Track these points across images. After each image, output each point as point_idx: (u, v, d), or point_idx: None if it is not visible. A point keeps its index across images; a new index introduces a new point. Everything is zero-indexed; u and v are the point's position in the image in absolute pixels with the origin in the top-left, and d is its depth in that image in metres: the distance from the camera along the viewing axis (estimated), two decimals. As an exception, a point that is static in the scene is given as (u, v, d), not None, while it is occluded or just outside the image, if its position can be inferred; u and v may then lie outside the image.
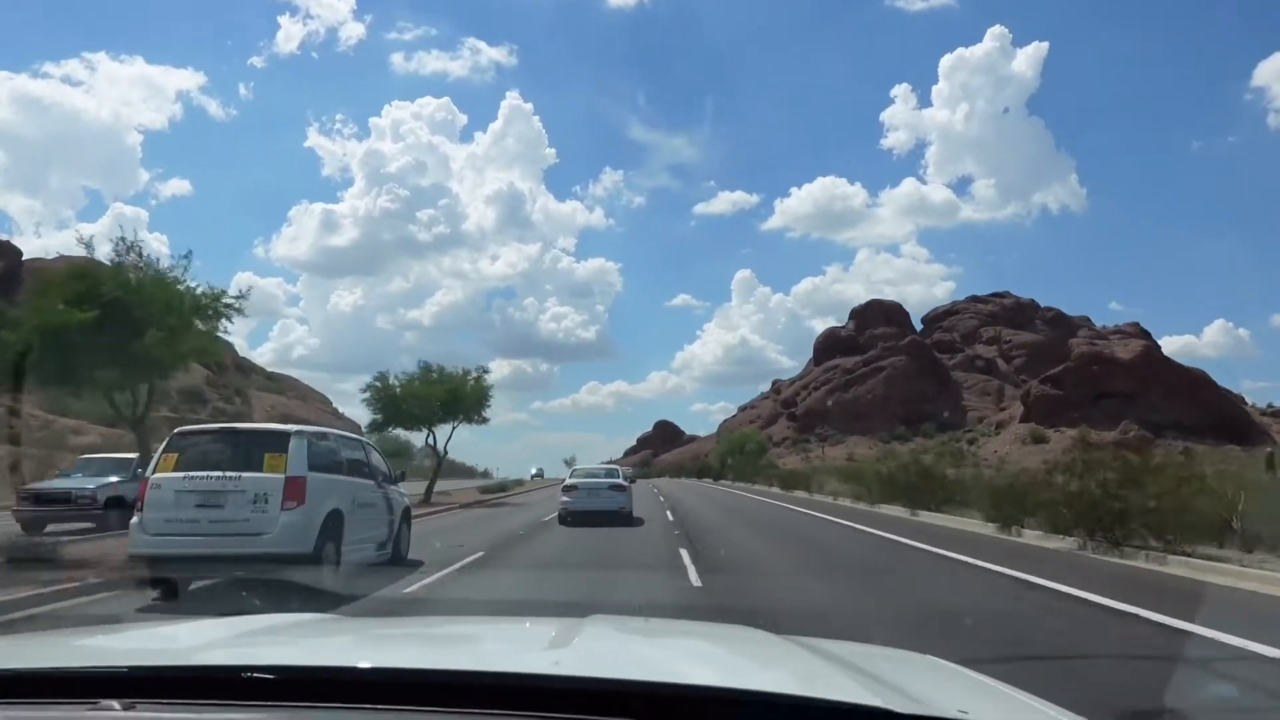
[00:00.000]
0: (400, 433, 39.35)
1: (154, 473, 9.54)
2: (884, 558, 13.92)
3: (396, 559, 12.21)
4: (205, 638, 2.21)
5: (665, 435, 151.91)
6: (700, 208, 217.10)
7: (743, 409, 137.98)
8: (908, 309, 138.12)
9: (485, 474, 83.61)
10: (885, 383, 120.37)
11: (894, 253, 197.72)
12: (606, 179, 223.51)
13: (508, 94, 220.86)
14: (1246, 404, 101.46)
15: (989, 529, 17.40)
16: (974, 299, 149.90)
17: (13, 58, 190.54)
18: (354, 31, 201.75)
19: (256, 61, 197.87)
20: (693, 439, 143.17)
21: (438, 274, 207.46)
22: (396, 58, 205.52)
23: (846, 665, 1.91)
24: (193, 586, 9.65)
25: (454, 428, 35.61)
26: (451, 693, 1.48)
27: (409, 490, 14.77)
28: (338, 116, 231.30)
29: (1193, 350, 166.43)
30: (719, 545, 15.37)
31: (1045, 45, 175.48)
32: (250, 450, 9.54)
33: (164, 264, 15.85)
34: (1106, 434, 79.93)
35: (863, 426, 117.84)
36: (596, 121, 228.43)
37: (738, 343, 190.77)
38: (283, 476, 9.27)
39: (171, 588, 9.04)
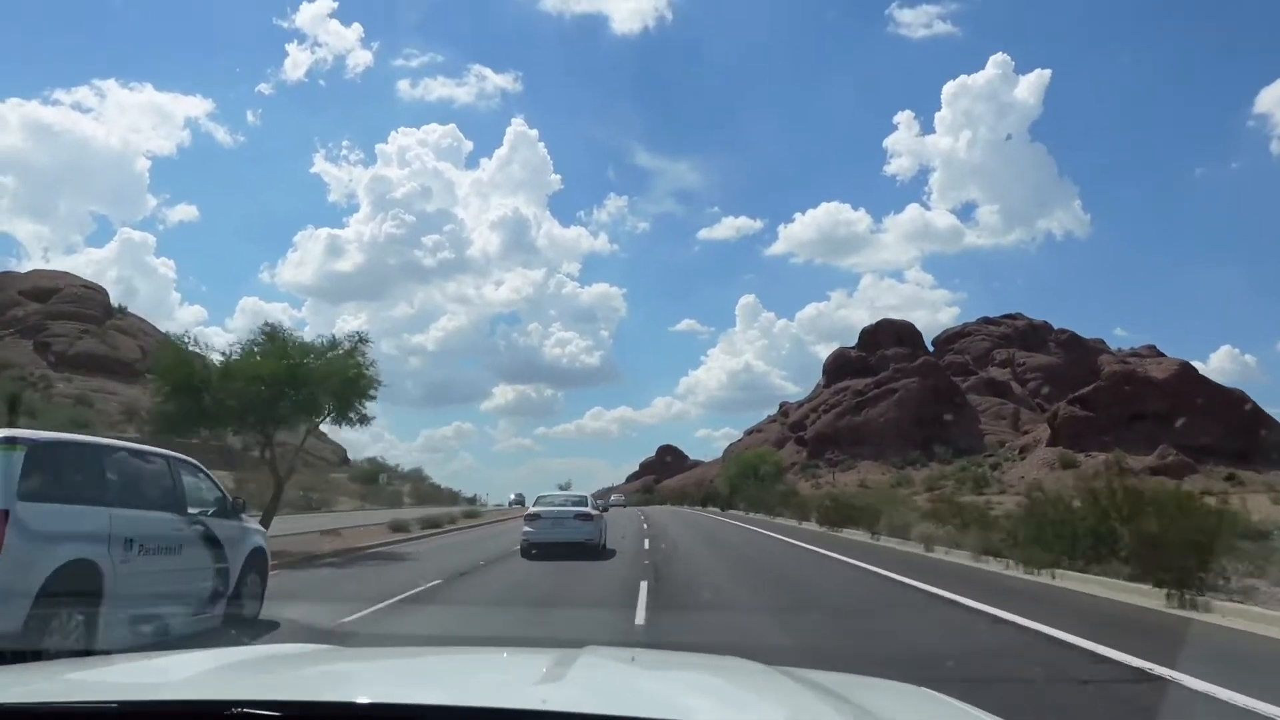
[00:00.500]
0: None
1: None
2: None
3: (237, 620, 8.19)
4: (195, 670, 2.23)
5: (669, 461, 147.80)
6: (704, 233, 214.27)
7: (749, 433, 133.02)
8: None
9: (472, 500, 79.32)
10: (898, 405, 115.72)
11: (898, 278, 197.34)
12: (611, 204, 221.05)
13: (513, 120, 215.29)
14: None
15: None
16: (985, 320, 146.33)
17: (25, 85, 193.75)
18: (361, 59, 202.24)
19: (264, 89, 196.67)
20: (696, 464, 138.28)
21: (442, 299, 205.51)
22: (403, 84, 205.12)
23: (836, 698, 1.90)
24: None
25: (308, 430, 24.79)
26: None
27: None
28: (344, 143, 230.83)
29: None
30: None
31: (1048, 73, 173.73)
32: None
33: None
34: (1143, 458, 74.97)
35: (874, 451, 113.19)
36: (601, 147, 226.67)
37: (742, 368, 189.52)
38: None
39: None
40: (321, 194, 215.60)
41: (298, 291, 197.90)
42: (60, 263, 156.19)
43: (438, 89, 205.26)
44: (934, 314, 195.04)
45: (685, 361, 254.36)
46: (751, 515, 47.28)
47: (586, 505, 19.75)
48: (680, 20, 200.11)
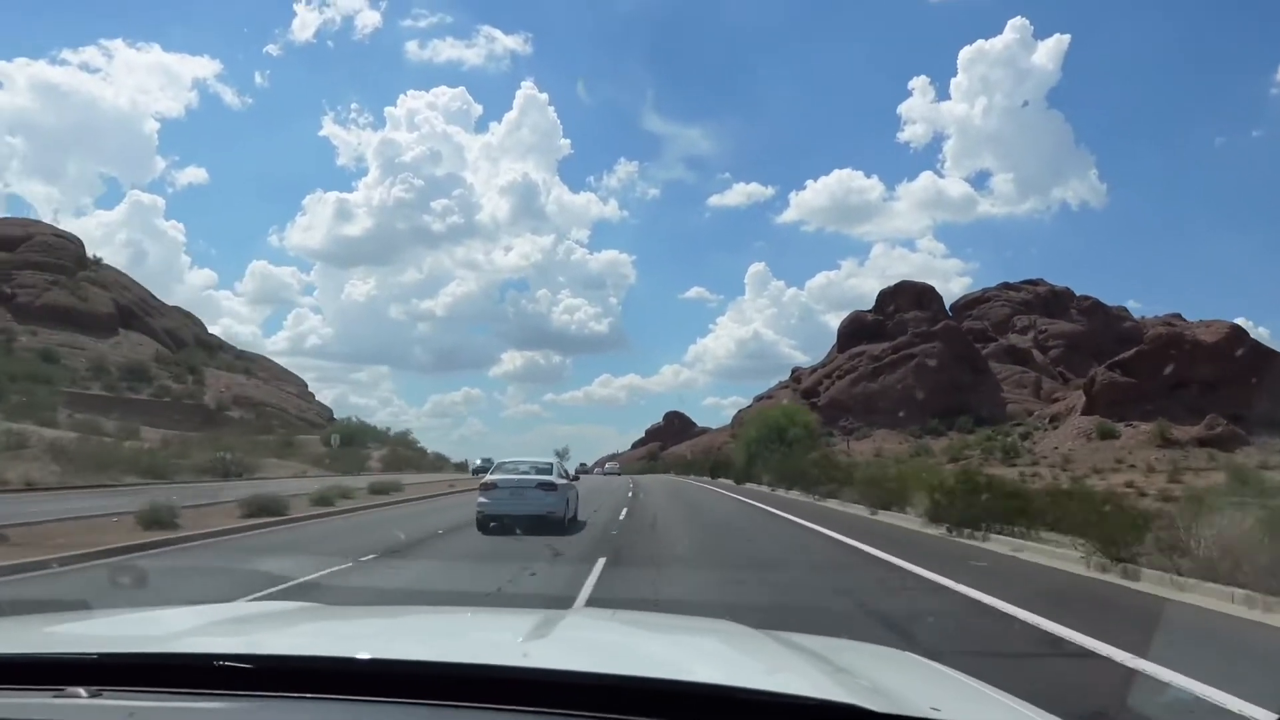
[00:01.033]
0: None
1: None
2: None
3: None
4: (176, 625, 2.21)
5: (676, 427, 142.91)
6: (714, 200, 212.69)
7: (759, 399, 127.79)
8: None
9: (463, 466, 74.45)
10: (916, 371, 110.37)
11: (910, 247, 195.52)
12: (621, 170, 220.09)
13: (522, 84, 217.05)
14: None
15: None
16: (1005, 286, 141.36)
17: (32, 44, 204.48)
18: (370, 20, 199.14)
19: (272, 49, 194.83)
20: (704, 431, 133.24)
21: (451, 265, 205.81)
22: (411, 45, 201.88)
23: (819, 660, 1.92)
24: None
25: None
26: (424, 684, 1.47)
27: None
28: (353, 105, 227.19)
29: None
30: None
31: (1067, 38, 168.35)
32: None
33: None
34: (1189, 429, 69.41)
35: (891, 419, 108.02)
36: (611, 112, 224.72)
37: (751, 336, 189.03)
38: None
39: None
40: (330, 157, 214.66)
41: (307, 255, 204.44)
42: (70, 224, 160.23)
43: (446, 50, 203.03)
44: (945, 283, 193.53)
45: (694, 329, 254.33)
46: (779, 493, 35.04)
47: (551, 474, 17.75)
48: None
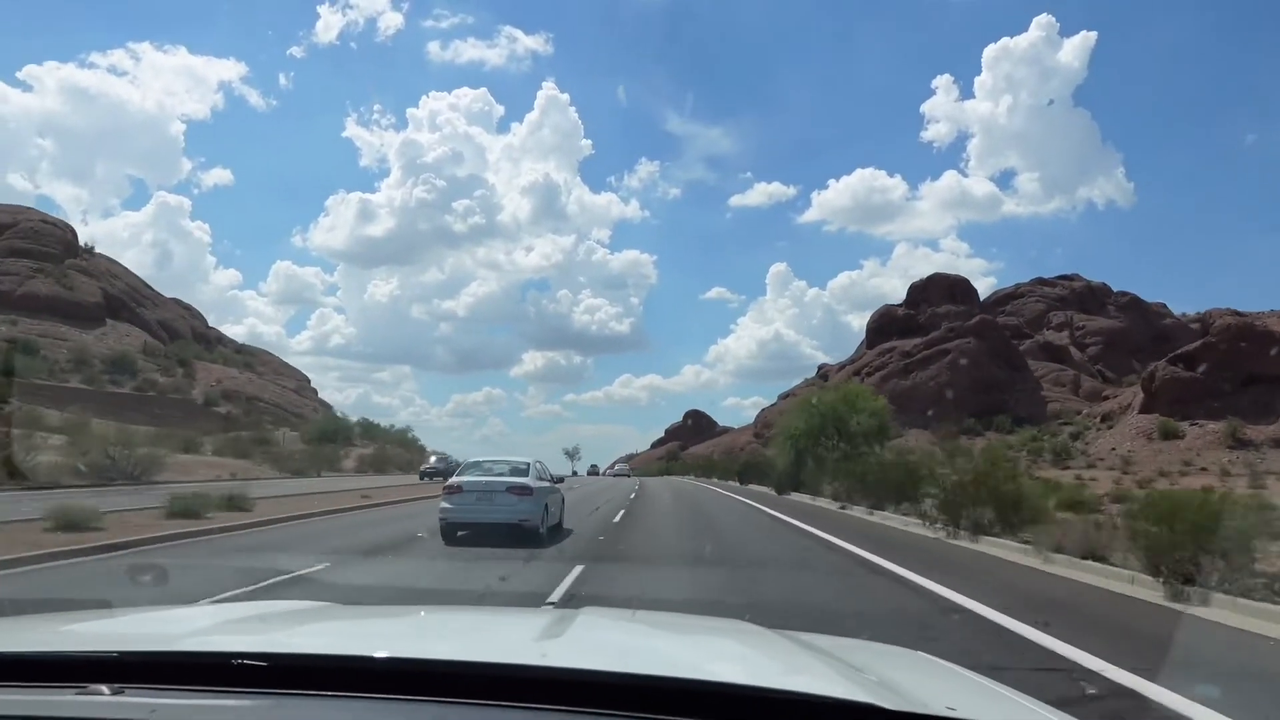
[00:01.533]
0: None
1: None
2: None
3: None
4: (196, 623, 2.25)
5: (696, 426, 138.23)
6: (736, 200, 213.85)
7: (783, 397, 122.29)
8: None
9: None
10: (950, 368, 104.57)
11: (933, 247, 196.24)
12: (642, 170, 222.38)
13: (544, 84, 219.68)
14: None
15: None
16: (1040, 281, 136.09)
17: (61, 47, 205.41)
18: (392, 21, 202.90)
19: (296, 51, 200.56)
20: (725, 430, 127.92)
21: (473, 265, 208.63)
22: (433, 46, 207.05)
23: (834, 660, 1.92)
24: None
25: None
26: (440, 682, 1.48)
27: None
28: (375, 107, 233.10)
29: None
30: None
31: (1094, 35, 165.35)
32: None
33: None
34: (1263, 428, 63.27)
35: (924, 419, 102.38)
36: (632, 112, 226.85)
37: (772, 337, 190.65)
38: None
39: None
40: (353, 158, 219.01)
41: (330, 256, 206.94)
42: (98, 226, 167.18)
43: (468, 51, 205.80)
44: (970, 283, 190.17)
45: (715, 330, 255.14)
46: (855, 512, 23.72)
47: (526, 475, 15.66)
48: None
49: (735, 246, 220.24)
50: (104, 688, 1.46)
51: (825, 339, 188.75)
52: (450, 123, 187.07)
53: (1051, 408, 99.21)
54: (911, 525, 18.80)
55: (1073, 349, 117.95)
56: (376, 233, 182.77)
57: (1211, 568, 9.13)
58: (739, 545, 15.53)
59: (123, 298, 79.75)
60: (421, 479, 42.56)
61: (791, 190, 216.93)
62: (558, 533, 16.07)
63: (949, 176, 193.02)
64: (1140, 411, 71.43)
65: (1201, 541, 9.15)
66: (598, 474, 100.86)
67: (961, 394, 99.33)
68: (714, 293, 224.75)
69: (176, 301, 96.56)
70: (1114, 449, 66.58)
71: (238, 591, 8.66)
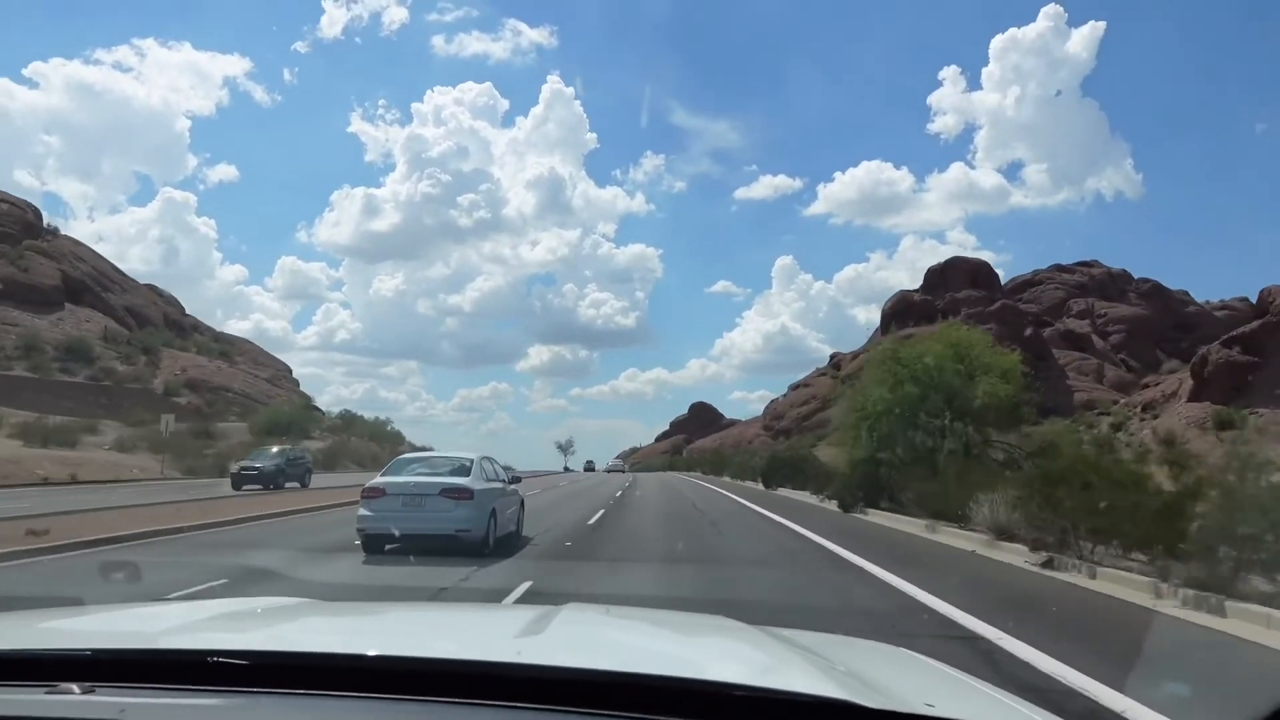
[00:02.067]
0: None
1: None
2: None
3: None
4: (169, 621, 2.20)
5: (702, 419, 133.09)
6: (741, 193, 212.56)
7: (794, 387, 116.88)
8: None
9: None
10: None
11: (940, 239, 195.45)
12: (647, 164, 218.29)
13: (548, 77, 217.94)
14: None
15: None
16: (1058, 268, 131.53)
17: (66, 44, 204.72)
18: (397, 15, 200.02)
19: (301, 47, 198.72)
20: (733, 423, 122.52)
21: (478, 259, 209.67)
22: (438, 40, 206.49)
23: (814, 656, 1.90)
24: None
25: None
26: (426, 681, 1.46)
27: None
28: (380, 102, 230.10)
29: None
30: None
31: (1102, 25, 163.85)
32: None
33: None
34: (1332, 416, 57.46)
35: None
36: (637, 106, 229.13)
37: (778, 330, 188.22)
38: None
39: None
40: (358, 153, 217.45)
41: (335, 251, 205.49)
42: (105, 222, 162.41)
43: (472, 44, 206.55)
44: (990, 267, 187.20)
45: (720, 323, 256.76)
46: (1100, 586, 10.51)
47: (467, 475, 12.92)
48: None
49: (741, 240, 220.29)
50: (74, 686, 1.42)
51: (831, 332, 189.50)
52: (455, 117, 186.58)
53: (1078, 398, 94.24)
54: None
55: (1095, 337, 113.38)
56: (382, 228, 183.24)
57: None
58: None
59: (86, 281, 74.11)
60: (236, 486, 29.23)
61: (797, 183, 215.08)
62: (512, 543, 13.81)
63: (956, 168, 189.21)
64: (1189, 400, 65.65)
65: None
66: (594, 470, 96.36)
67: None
68: (719, 286, 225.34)
69: (150, 288, 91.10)
70: (1166, 439, 60.80)
71: None
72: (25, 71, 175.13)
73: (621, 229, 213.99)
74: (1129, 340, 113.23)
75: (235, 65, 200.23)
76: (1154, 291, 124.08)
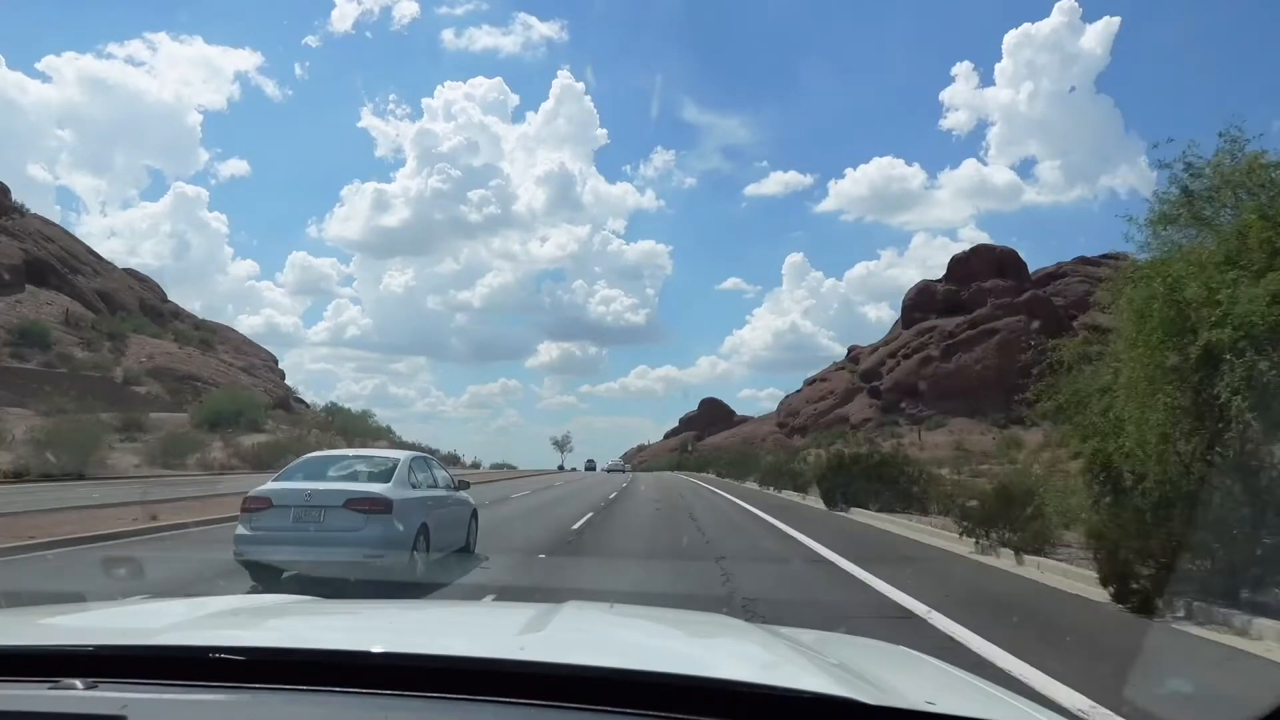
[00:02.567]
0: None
1: None
2: None
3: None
4: (171, 617, 2.19)
5: (713, 415, 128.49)
6: (752, 189, 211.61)
7: (809, 383, 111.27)
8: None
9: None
10: (999, 349, 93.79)
11: (952, 237, 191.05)
12: (657, 160, 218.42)
13: (559, 72, 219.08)
14: None
15: None
16: (1083, 260, 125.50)
17: (79, 38, 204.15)
18: (408, 9, 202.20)
19: (312, 41, 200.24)
20: (745, 419, 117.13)
21: (488, 255, 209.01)
22: (448, 34, 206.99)
23: (815, 654, 1.92)
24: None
25: None
26: (429, 678, 1.47)
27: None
28: (390, 97, 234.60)
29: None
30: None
31: (1117, 20, 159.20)
32: None
33: None
34: None
35: (969, 405, 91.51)
36: (648, 101, 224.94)
37: (788, 328, 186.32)
38: None
39: None
40: (369, 148, 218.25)
41: (345, 246, 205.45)
42: (117, 217, 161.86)
43: (483, 38, 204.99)
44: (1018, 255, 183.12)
45: (730, 320, 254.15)
46: None
47: (386, 480, 9.92)
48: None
49: (751, 237, 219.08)
50: (77, 682, 1.44)
51: (842, 330, 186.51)
52: (465, 112, 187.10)
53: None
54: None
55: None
56: (392, 223, 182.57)
57: None
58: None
59: (52, 262, 68.76)
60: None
61: (808, 179, 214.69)
62: (453, 566, 10.85)
63: (968, 165, 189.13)
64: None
65: None
66: (595, 469, 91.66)
67: (1010, 378, 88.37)
68: (730, 283, 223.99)
69: (129, 272, 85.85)
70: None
71: None
72: (38, 65, 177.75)
73: (631, 225, 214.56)
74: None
75: (247, 60, 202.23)
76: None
